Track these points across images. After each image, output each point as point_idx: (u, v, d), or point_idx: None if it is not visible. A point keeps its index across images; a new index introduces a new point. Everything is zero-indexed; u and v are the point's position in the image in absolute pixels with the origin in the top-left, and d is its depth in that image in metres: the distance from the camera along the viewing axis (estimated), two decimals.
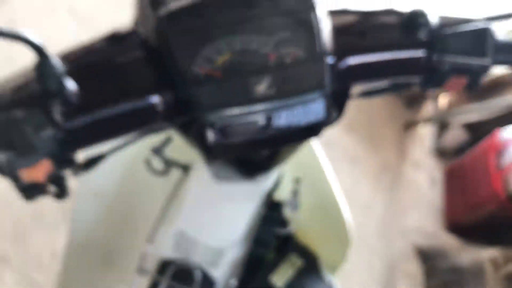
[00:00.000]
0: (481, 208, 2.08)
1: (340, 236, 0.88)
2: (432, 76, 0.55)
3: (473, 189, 2.15)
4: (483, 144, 2.22)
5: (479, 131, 2.34)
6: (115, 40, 0.48)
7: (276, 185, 0.76)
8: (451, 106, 2.55)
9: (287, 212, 0.78)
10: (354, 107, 2.23)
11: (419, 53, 0.54)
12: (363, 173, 2.19)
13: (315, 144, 0.87)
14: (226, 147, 0.50)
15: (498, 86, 2.35)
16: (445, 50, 0.53)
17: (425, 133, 2.53)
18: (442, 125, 2.54)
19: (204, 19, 0.46)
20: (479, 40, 0.54)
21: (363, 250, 1.94)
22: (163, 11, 0.46)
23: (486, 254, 1.80)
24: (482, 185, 2.09)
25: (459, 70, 0.54)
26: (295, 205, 0.77)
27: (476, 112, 2.32)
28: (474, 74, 0.55)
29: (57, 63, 0.42)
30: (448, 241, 2.00)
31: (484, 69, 0.54)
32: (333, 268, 0.89)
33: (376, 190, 2.17)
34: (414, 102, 2.54)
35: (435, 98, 2.62)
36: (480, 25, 0.54)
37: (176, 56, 0.45)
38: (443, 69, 0.54)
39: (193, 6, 0.46)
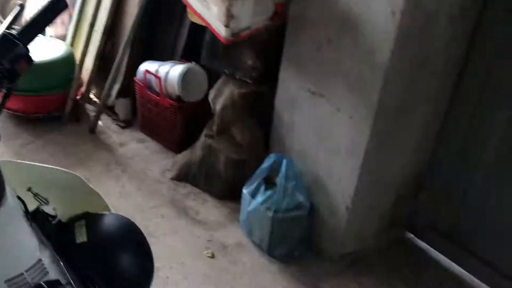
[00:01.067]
0: (170, 119, 2.70)
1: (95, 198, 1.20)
2: (10, 74, 0.89)
3: (160, 119, 2.75)
4: (138, 94, 2.81)
5: (126, 88, 2.92)
6: None
7: (25, 206, 1.00)
8: (95, 95, 3.05)
9: (46, 209, 1.07)
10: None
11: None
12: (112, 188, 2.45)
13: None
14: None
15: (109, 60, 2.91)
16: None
17: (106, 123, 2.99)
18: (108, 108, 3.02)
19: None
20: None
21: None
22: None
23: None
24: (162, 112, 2.70)
25: (19, 59, 0.87)
26: (44, 200, 1.07)
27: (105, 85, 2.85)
28: (26, 58, 0.91)
29: None
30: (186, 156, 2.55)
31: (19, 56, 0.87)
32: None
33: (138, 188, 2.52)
34: (77, 117, 2.96)
35: (83, 104, 3.03)
36: None
37: None
38: (7, 66, 0.88)
39: None
